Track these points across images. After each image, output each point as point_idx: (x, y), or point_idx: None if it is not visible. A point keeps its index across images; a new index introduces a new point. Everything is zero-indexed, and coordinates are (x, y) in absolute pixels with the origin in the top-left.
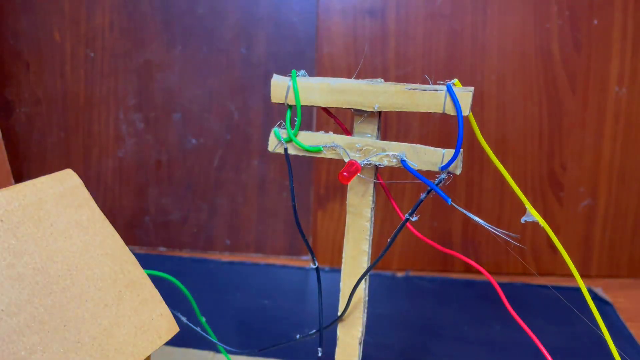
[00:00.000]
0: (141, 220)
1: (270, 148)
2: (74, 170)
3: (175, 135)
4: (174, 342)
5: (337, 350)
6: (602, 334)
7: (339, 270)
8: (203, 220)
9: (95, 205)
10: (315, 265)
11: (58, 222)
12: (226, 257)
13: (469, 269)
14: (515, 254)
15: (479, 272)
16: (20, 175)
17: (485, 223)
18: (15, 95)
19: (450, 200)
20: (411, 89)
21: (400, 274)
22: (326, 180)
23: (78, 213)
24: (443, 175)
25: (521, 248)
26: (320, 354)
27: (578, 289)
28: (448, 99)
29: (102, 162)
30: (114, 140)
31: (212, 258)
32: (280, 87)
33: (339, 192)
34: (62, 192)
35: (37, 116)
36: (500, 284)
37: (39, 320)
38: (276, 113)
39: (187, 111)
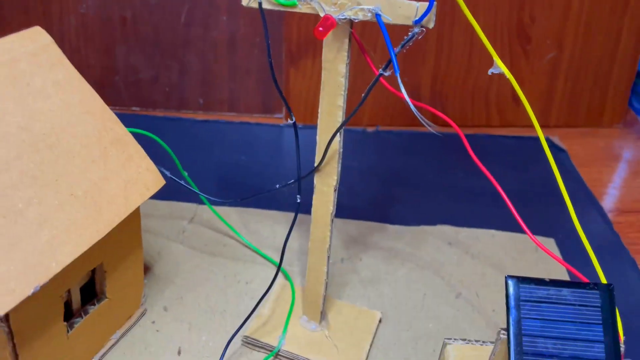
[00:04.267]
0: (111, 79)
1: (244, 2)
2: None
3: None
4: (158, 195)
5: (315, 197)
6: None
7: (312, 127)
8: (174, 79)
9: (70, 64)
10: (293, 120)
11: (34, 82)
12: (200, 116)
13: (436, 122)
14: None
15: (445, 126)
16: None
17: (413, 108)
18: None
19: (398, 71)
20: None
21: (370, 129)
22: (297, 38)
23: (53, 72)
24: (416, 30)
25: (487, 101)
26: (299, 200)
27: (537, 139)
28: None
29: (63, 20)
30: None
31: (186, 117)
32: None
33: (311, 49)
34: (33, 51)
35: None
36: (465, 136)
37: (31, 176)
38: None
39: None
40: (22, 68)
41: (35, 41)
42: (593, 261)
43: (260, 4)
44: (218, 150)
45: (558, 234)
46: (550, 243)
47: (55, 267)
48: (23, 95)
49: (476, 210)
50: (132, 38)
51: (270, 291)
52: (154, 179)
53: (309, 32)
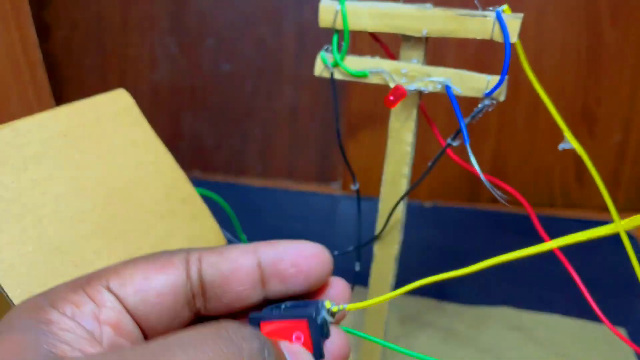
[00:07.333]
0: (176, 144)
1: (317, 72)
2: None
3: (208, 61)
4: None
5: (373, 266)
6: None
7: (368, 199)
8: (236, 146)
9: (148, 125)
10: (356, 185)
11: (115, 139)
12: (258, 183)
13: (495, 200)
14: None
15: (508, 204)
16: (59, 97)
17: (484, 179)
18: (53, 19)
19: (468, 141)
20: (460, 14)
21: (427, 204)
22: (358, 110)
23: (132, 131)
24: (487, 102)
25: (549, 181)
26: (357, 269)
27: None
28: (497, 25)
29: (138, 87)
30: (149, 65)
31: (244, 183)
32: (328, 11)
33: (370, 122)
34: (116, 111)
35: (74, 39)
36: (526, 215)
37: (103, 228)
38: (309, 40)
39: (220, 36)
40: (105, 127)
41: (118, 102)
42: None
43: (332, 74)
44: (273, 218)
45: (629, 324)
46: (621, 333)
47: None
48: (104, 151)
49: (540, 293)
50: (200, 106)
51: None
52: (216, 238)
53: (369, 105)
